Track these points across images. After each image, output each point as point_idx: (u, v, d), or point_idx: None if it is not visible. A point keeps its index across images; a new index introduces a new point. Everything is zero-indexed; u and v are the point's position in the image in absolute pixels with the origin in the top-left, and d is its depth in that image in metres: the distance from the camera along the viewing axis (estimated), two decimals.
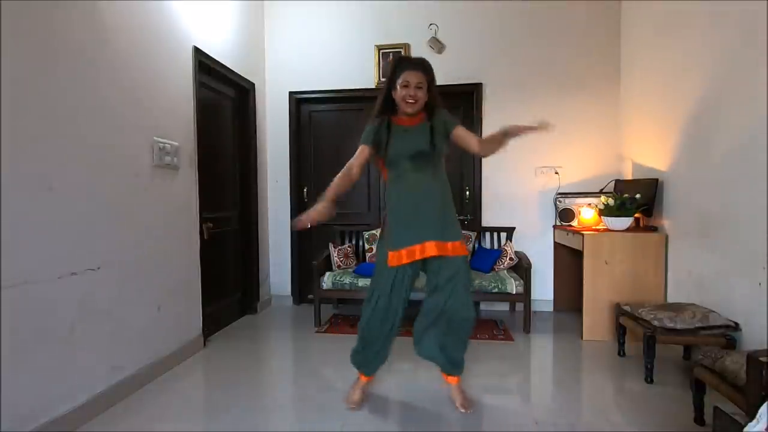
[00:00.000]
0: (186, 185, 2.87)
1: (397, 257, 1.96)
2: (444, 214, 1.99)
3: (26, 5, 1.77)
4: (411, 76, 1.91)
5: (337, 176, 1.96)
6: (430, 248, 1.94)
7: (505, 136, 1.85)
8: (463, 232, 3.80)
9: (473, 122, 3.95)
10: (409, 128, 1.98)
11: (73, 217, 1.99)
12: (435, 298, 2.01)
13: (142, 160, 2.46)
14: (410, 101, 1.92)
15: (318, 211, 1.84)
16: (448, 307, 1.97)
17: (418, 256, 1.95)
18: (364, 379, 2.20)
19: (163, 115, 2.64)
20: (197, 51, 3.00)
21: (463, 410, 2.09)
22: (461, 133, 2.00)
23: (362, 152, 1.99)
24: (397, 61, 1.99)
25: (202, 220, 3.05)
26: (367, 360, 2.15)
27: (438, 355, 2.09)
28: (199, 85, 3.05)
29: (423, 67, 1.95)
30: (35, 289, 1.81)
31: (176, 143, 2.75)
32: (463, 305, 1.98)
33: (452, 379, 2.16)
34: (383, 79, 3.97)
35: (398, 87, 1.93)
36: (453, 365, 2.12)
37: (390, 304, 2.00)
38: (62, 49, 1.95)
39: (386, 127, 1.98)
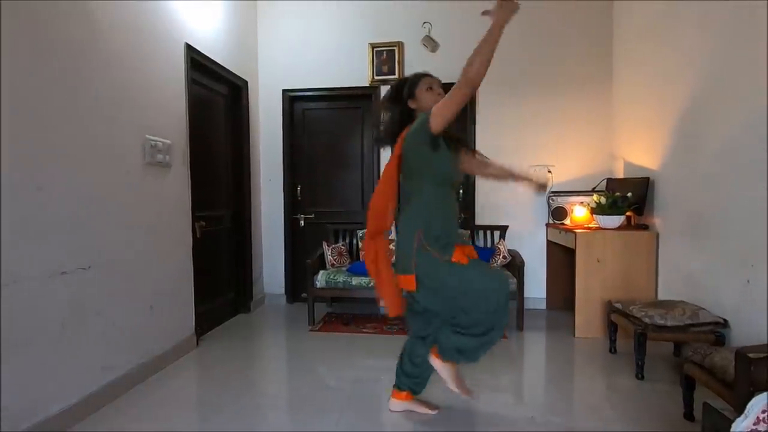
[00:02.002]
0: (178, 183, 2.85)
1: (461, 254, 1.82)
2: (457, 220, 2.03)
3: (18, 3, 1.75)
4: (432, 81, 1.92)
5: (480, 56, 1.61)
6: (471, 251, 1.93)
7: None
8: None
9: (466, 121, 3.96)
10: (448, 150, 1.88)
11: (63, 216, 1.97)
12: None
13: (134, 158, 2.44)
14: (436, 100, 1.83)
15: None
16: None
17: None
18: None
19: (154, 112, 2.62)
20: (189, 48, 2.97)
21: (435, 411, 2.07)
22: (471, 158, 2.10)
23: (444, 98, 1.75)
24: (413, 76, 1.94)
25: (195, 219, 3.03)
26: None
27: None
28: (192, 83, 3.02)
29: (430, 74, 1.97)
30: (25, 289, 1.79)
31: (168, 141, 2.72)
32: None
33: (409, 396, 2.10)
34: (377, 78, 3.98)
35: (421, 93, 1.88)
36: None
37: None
38: (52, 47, 1.92)
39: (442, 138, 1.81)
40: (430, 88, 1.89)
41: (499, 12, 1.60)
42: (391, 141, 1.95)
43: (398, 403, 2.09)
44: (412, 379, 2.06)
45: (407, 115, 1.93)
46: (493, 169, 2.13)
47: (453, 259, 1.80)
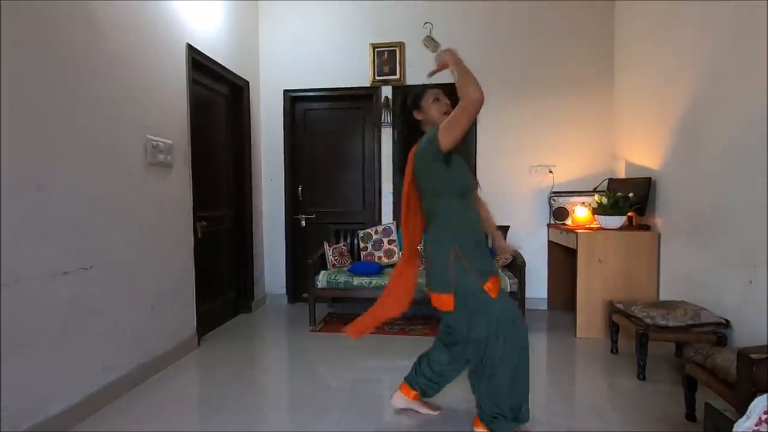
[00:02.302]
0: (179, 183, 2.85)
1: (493, 284, 1.75)
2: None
3: (18, 3, 1.75)
4: (437, 92, 1.88)
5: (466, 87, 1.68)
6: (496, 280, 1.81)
7: None
8: None
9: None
10: (460, 158, 1.85)
11: (65, 216, 1.97)
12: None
13: (135, 158, 2.44)
14: (447, 111, 1.83)
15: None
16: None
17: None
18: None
19: (156, 112, 2.62)
20: (190, 48, 2.97)
21: (437, 412, 2.07)
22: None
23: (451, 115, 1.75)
24: (418, 89, 1.92)
25: (196, 219, 3.03)
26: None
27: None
28: (193, 83, 3.02)
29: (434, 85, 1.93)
30: (27, 289, 1.79)
31: (170, 141, 2.73)
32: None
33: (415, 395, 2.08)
34: (378, 78, 3.98)
35: (427, 105, 1.86)
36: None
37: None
38: (53, 47, 1.92)
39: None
40: (437, 99, 1.86)
41: (444, 59, 1.74)
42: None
43: (403, 400, 2.08)
44: (428, 381, 2.03)
45: (414, 126, 1.92)
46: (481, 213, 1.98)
47: (493, 293, 1.73)
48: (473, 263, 1.73)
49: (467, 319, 1.76)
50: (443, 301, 1.76)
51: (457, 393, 2.22)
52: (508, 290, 3.28)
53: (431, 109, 1.86)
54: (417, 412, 2.08)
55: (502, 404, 1.76)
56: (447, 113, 1.80)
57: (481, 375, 1.78)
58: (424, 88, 1.91)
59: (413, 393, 2.06)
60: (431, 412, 2.07)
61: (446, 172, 1.75)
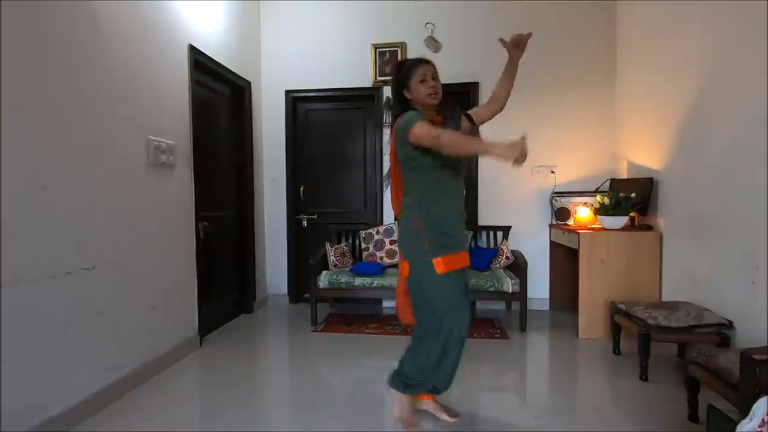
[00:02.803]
0: (182, 184, 2.86)
1: (446, 262, 1.77)
2: (464, 222, 1.94)
3: (21, 4, 1.76)
4: (426, 69, 1.82)
5: (454, 140, 1.67)
6: (465, 259, 1.86)
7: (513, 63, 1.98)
8: None
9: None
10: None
11: (67, 216, 1.98)
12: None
13: (137, 159, 2.45)
14: (432, 93, 1.80)
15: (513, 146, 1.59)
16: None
17: (460, 266, 1.83)
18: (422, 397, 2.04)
19: (158, 113, 2.63)
20: (192, 49, 2.98)
21: (454, 419, 2.01)
22: (465, 124, 1.98)
23: (428, 124, 1.73)
24: (401, 63, 1.90)
25: (198, 219, 3.04)
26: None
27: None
28: (195, 84, 3.03)
29: (430, 61, 1.88)
30: (29, 289, 1.79)
31: (172, 142, 2.73)
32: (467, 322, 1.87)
33: (429, 396, 2.04)
34: (380, 78, 3.98)
35: (415, 84, 1.81)
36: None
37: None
38: (56, 48, 1.93)
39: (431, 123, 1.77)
40: (423, 81, 1.80)
41: (500, 150, 1.64)
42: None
43: (424, 405, 2.07)
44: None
45: (403, 103, 1.89)
46: (496, 95, 2.14)
47: (439, 269, 1.75)
48: (432, 235, 1.76)
49: (416, 286, 1.81)
50: (404, 267, 1.84)
51: (472, 397, 2.21)
52: (510, 291, 3.28)
53: (417, 89, 1.82)
54: (434, 415, 2.03)
55: (426, 377, 1.85)
56: (433, 94, 1.81)
57: (415, 340, 1.86)
58: (412, 66, 1.85)
59: (426, 396, 2.03)
60: (449, 419, 2.00)
61: (418, 150, 1.76)
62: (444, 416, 2.02)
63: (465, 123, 1.98)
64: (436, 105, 1.86)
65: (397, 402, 1.96)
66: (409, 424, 1.93)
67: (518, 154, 1.53)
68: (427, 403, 2.06)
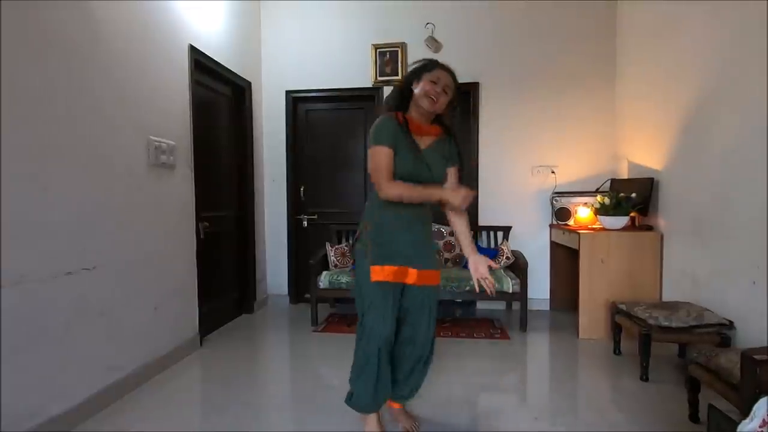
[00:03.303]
0: (182, 184, 2.86)
1: (384, 272, 1.77)
2: (427, 241, 1.88)
3: (20, 4, 1.76)
4: (444, 76, 1.73)
5: (406, 191, 1.69)
6: (413, 275, 1.81)
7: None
8: None
9: (470, 122, 3.96)
10: (426, 149, 1.77)
11: (68, 216, 1.98)
12: (405, 328, 1.87)
13: (138, 159, 2.45)
14: (432, 98, 1.69)
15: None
16: (414, 339, 1.86)
17: (403, 279, 1.81)
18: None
19: (158, 113, 2.63)
20: (193, 49, 2.98)
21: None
22: (450, 175, 1.85)
23: (388, 156, 1.69)
24: (429, 60, 1.81)
25: (199, 220, 3.04)
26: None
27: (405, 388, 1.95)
28: (195, 84, 3.03)
29: (455, 77, 1.77)
30: (30, 289, 1.80)
31: (172, 142, 2.73)
32: (427, 340, 1.87)
33: (397, 405, 2.00)
34: (380, 79, 3.98)
35: (424, 81, 1.71)
36: (411, 395, 1.97)
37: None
38: (56, 48, 1.93)
39: (403, 131, 1.72)
40: (434, 82, 1.70)
41: (449, 199, 1.70)
42: (387, 110, 1.84)
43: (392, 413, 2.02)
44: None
45: (405, 96, 1.79)
46: (458, 225, 1.89)
47: (374, 277, 1.75)
48: (376, 241, 1.78)
49: (356, 289, 1.85)
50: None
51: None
52: (510, 291, 3.29)
53: (425, 85, 1.70)
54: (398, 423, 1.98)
55: (358, 384, 1.84)
56: (431, 98, 1.70)
57: (356, 342, 1.88)
58: (435, 65, 1.76)
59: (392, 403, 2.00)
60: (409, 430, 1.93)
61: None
62: (408, 424, 1.96)
63: (452, 174, 1.86)
64: (429, 112, 1.74)
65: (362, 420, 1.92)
66: None
67: (462, 199, 1.67)
68: (392, 410, 2.02)
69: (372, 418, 1.89)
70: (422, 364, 1.91)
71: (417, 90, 1.74)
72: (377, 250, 1.78)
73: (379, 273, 1.77)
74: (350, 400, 1.88)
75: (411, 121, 1.76)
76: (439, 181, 1.80)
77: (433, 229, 3.82)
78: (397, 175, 1.71)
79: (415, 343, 1.87)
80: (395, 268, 1.77)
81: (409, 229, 1.79)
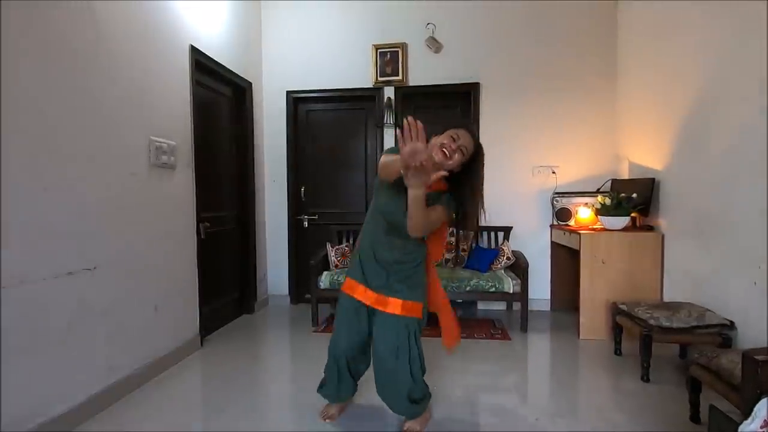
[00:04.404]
0: (183, 184, 2.86)
1: (349, 285, 1.95)
2: (400, 278, 1.86)
3: (22, 4, 1.76)
4: (465, 137, 1.68)
5: (385, 163, 1.68)
6: (373, 298, 1.88)
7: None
8: (461, 231, 3.81)
9: (470, 122, 3.95)
10: (397, 193, 1.71)
11: (69, 216, 1.98)
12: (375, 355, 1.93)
13: (139, 160, 2.45)
14: (444, 151, 1.64)
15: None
16: (376, 373, 1.92)
17: (361, 297, 1.91)
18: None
19: (159, 114, 2.63)
20: (194, 50, 2.98)
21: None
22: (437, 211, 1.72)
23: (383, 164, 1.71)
24: (461, 121, 1.86)
25: (199, 220, 3.04)
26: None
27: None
28: (196, 84, 3.03)
29: (479, 144, 1.74)
30: (31, 290, 1.80)
31: (173, 142, 2.74)
32: (395, 375, 1.86)
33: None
34: (381, 79, 3.98)
35: (445, 135, 1.68)
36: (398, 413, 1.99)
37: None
38: (57, 48, 1.93)
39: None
40: (453, 138, 1.67)
41: (408, 182, 1.49)
42: None
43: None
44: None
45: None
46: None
47: (344, 287, 1.97)
48: (352, 263, 1.99)
49: None
50: None
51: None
52: (511, 291, 3.29)
53: (444, 139, 1.67)
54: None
55: (328, 375, 2.07)
56: (443, 150, 1.65)
57: None
58: (462, 126, 1.74)
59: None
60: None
61: (376, 190, 1.86)
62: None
63: (450, 214, 1.79)
64: (437, 164, 1.64)
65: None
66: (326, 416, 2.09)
67: (408, 153, 1.38)
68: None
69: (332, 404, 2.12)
70: (399, 397, 1.88)
71: (435, 140, 1.69)
72: (354, 265, 1.97)
73: (347, 285, 1.96)
74: (320, 388, 2.11)
75: None
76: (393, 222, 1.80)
77: None
78: (376, 207, 1.85)
79: (378, 376, 1.91)
80: (361, 286, 1.91)
81: (372, 256, 1.89)
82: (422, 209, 1.56)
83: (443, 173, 1.56)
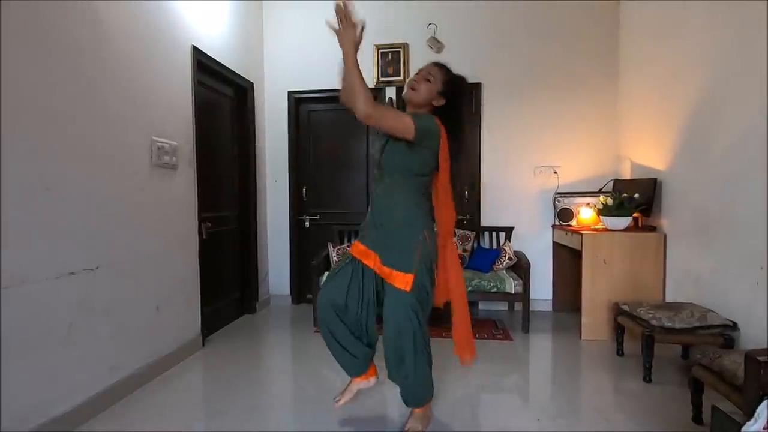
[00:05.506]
0: (185, 185, 2.87)
1: (354, 247, 1.94)
2: (396, 242, 1.80)
3: (24, 4, 1.77)
4: (428, 67, 1.83)
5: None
6: (374, 259, 1.84)
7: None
8: (463, 231, 3.81)
9: (472, 122, 3.95)
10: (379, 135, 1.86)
11: (71, 216, 1.99)
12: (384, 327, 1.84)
13: (141, 160, 2.46)
14: (410, 87, 1.80)
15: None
16: (385, 349, 1.84)
17: (360, 257, 1.88)
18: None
19: (161, 114, 2.64)
20: (195, 50, 2.99)
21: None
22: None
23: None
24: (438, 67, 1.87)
25: (201, 220, 3.05)
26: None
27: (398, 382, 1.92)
28: (198, 84, 3.04)
29: (441, 65, 1.83)
30: (33, 290, 1.80)
31: (175, 143, 2.74)
32: (397, 351, 1.79)
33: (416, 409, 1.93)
34: (383, 79, 3.99)
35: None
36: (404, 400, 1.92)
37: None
38: (60, 48, 1.94)
39: None
40: (417, 72, 1.84)
41: (340, 40, 1.62)
42: None
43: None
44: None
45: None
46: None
47: (351, 249, 1.93)
48: (362, 224, 1.97)
49: None
50: None
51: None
52: (513, 292, 3.28)
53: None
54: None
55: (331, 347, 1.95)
56: (413, 87, 1.79)
57: None
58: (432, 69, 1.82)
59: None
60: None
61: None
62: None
63: (416, 124, 1.79)
64: (413, 102, 1.81)
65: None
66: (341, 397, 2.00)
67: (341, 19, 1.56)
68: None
69: (355, 380, 1.98)
70: (402, 377, 1.84)
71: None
72: (361, 229, 1.96)
73: (354, 247, 1.93)
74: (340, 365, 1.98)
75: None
76: (388, 165, 1.80)
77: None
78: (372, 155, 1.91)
79: (387, 352, 1.84)
80: (363, 247, 1.88)
81: (371, 212, 1.89)
82: (354, 68, 1.60)
83: None
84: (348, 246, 3.92)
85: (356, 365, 1.94)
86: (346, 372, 1.98)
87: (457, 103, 1.82)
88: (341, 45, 1.62)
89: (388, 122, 1.67)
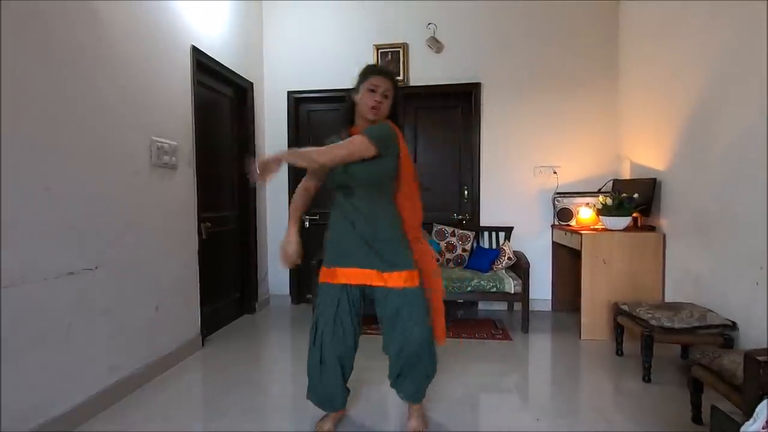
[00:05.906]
0: (184, 185, 2.87)
1: (326, 274, 1.86)
2: (382, 240, 1.79)
3: (24, 4, 1.77)
4: (379, 81, 1.77)
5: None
6: (361, 275, 1.81)
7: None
8: (462, 231, 3.82)
9: (472, 122, 3.96)
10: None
11: (70, 216, 1.99)
12: (385, 336, 1.86)
13: (140, 160, 2.46)
14: (375, 107, 1.76)
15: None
16: (388, 348, 1.86)
17: (345, 280, 1.83)
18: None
19: (161, 114, 2.63)
20: (195, 50, 2.99)
21: None
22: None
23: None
24: (365, 68, 1.87)
25: (201, 220, 3.05)
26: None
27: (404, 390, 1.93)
28: (197, 84, 3.04)
29: (391, 76, 1.84)
30: (32, 289, 1.80)
31: (174, 142, 2.74)
32: (409, 347, 1.80)
33: (409, 403, 1.96)
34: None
35: (363, 91, 1.79)
36: (412, 397, 1.94)
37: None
38: (60, 48, 1.94)
39: None
40: (372, 90, 1.77)
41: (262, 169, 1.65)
42: (342, 129, 1.91)
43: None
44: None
45: (349, 108, 1.89)
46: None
47: (320, 278, 1.86)
48: (327, 247, 1.90)
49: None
50: None
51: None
52: (512, 291, 3.28)
53: (365, 96, 1.78)
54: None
55: (313, 382, 1.91)
56: (374, 108, 1.76)
57: None
58: (370, 72, 1.82)
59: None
60: None
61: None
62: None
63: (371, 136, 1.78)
64: (375, 120, 1.78)
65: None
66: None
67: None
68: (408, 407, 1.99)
69: (327, 417, 1.98)
70: (414, 372, 1.85)
71: (359, 101, 1.80)
72: (327, 250, 1.87)
73: (325, 274, 1.85)
74: (308, 394, 1.95)
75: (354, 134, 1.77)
76: (359, 184, 1.78)
77: (436, 228, 3.87)
78: (330, 183, 1.86)
79: (392, 350, 1.84)
80: (343, 269, 1.81)
81: (348, 229, 1.81)
82: (294, 158, 1.68)
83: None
84: None
85: (340, 399, 1.95)
86: (321, 407, 1.97)
87: (397, 101, 1.86)
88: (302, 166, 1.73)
89: (344, 155, 1.66)
